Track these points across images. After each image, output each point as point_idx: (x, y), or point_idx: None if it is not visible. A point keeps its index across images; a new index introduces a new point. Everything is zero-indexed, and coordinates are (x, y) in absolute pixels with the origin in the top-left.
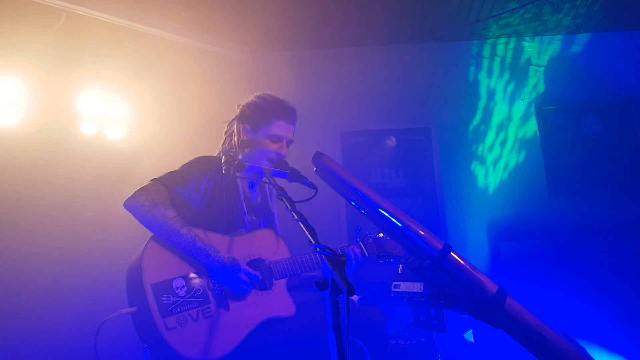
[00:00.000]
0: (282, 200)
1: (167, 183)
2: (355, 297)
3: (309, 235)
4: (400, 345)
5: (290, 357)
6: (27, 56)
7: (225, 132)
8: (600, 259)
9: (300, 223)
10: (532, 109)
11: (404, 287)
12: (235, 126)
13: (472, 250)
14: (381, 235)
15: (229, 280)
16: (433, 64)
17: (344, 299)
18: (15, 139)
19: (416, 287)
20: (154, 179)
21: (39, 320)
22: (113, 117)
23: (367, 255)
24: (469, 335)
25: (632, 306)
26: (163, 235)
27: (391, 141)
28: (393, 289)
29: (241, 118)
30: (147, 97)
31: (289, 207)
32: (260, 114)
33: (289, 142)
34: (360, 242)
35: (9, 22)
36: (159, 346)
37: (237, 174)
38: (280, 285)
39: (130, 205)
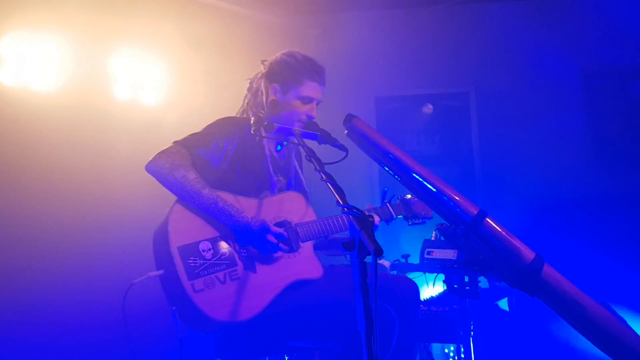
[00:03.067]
0: (310, 161)
1: (188, 145)
2: (385, 263)
3: (336, 196)
4: (432, 312)
5: (318, 320)
6: (63, 16)
7: (249, 89)
8: None
9: (328, 184)
10: (578, 74)
11: (438, 253)
12: (262, 84)
13: (510, 220)
14: (409, 196)
15: (255, 241)
16: (471, 25)
17: (371, 260)
18: (48, 103)
19: (450, 254)
20: (175, 142)
21: (68, 283)
22: (149, 82)
23: (394, 217)
24: (503, 304)
25: None
26: (185, 197)
27: (428, 108)
28: (426, 255)
29: (269, 76)
30: (182, 62)
31: (318, 167)
32: (290, 74)
33: (319, 102)
34: (388, 204)
35: None
36: (187, 308)
37: (266, 135)
38: (307, 247)
39: (151, 168)
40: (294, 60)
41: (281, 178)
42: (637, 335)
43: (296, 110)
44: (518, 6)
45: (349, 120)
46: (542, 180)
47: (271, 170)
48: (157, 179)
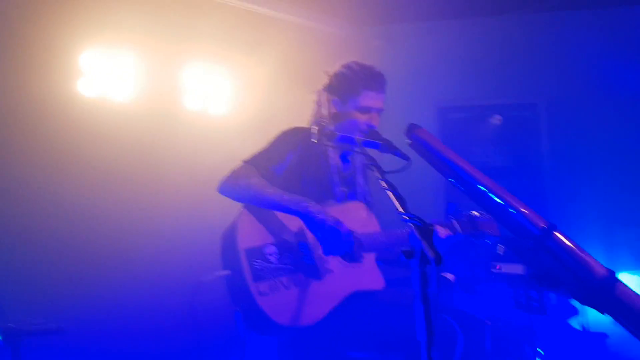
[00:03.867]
0: (372, 169)
1: (256, 163)
2: (450, 276)
3: (397, 205)
4: (498, 327)
5: (378, 331)
6: (138, 32)
7: (316, 102)
8: None
9: (389, 192)
10: None
11: (504, 268)
12: (324, 97)
13: (581, 235)
14: (476, 213)
15: (326, 236)
16: (541, 35)
17: (432, 270)
18: (127, 110)
19: (517, 268)
20: (243, 161)
21: (141, 280)
22: (216, 93)
23: (460, 232)
24: (574, 322)
25: None
26: (252, 201)
27: (496, 119)
28: (492, 270)
29: (328, 89)
30: (247, 74)
31: (379, 176)
32: (347, 85)
33: (379, 111)
34: (454, 220)
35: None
36: (251, 310)
37: (328, 143)
38: (370, 258)
39: (221, 188)
40: (350, 71)
41: (345, 189)
42: None
43: (356, 120)
44: (590, 16)
45: (411, 130)
46: (615, 193)
47: (335, 180)
48: (228, 196)
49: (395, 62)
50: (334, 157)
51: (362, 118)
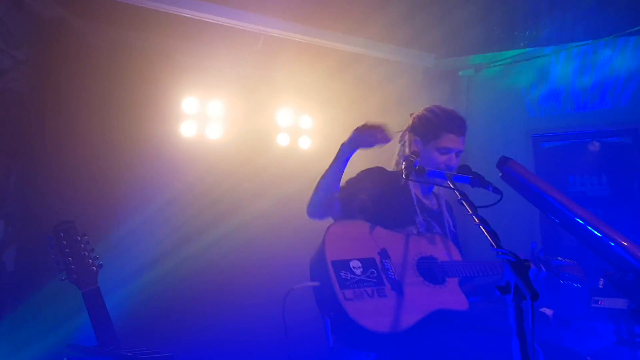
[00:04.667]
0: (462, 204)
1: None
2: (548, 311)
3: (490, 240)
4: None
5: (458, 353)
6: (230, 77)
7: (399, 141)
8: None
9: (481, 227)
10: None
11: (606, 302)
12: (407, 137)
13: None
14: (560, 258)
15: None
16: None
17: (528, 305)
18: (222, 149)
19: (619, 303)
20: None
21: (233, 287)
22: (303, 129)
23: (544, 271)
24: None
25: None
26: (322, 186)
27: (594, 146)
28: (592, 305)
29: (412, 129)
30: (333, 110)
31: (470, 211)
32: (429, 128)
33: (459, 152)
34: (538, 258)
35: (214, 48)
36: (338, 315)
37: (417, 179)
38: (453, 282)
39: (308, 211)
40: (433, 114)
41: (428, 218)
42: None
43: (435, 160)
44: None
45: (503, 162)
46: None
47: (417, 211)
48: (314, 209)
49: (482, 90)
50: (416, 191)
51: (440, 158)
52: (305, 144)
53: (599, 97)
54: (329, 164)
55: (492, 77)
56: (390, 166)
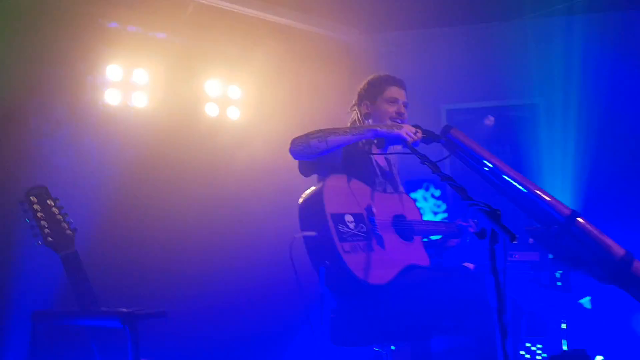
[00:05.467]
0: (426, 164)
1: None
2: (470, 265)
3: (461, 193)
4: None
5: (428, 295)
6: (157, 45)
7: (351, 121)
8: None
9: (449, 184)
10: None
11: (520, 256)
12: (355, 111)
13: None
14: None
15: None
16: (541, 39)
17: (500, 247)
18: (148, 118)
19: (533, 256)
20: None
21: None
22: (232, 99)
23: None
24: (585, 302)
25: None
26: (330, 144)
27: (489, 120)
28: (509, 259)
29: (360, 99)
30: (262, 81)
31: (435, 171)
32: (373, 87)
33: (405, 104)
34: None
35: (141, 13)
36: (336, 265)
37: (379, 151)
38: (418, 240)
39: (294, 151)
40: (374, 78)
41: (384, 180)
42: None
43: (387, 112)
44: (589, 20)
45: (446, 130)
46: (613, 191)
47: (377, 172)
48: (302, 154)
49: (403, 67)
50: (372, 157)
51: (391, 108)
52: (234, 114)
53: (505, 75)
54: (352, 129)
55: (411, 52)
56: None
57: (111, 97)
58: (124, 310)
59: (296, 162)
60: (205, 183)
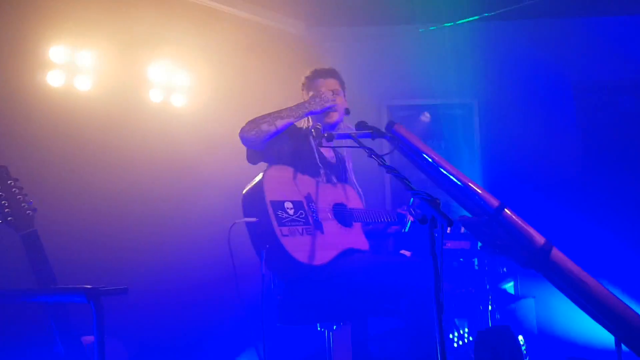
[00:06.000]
0: (372, 157)
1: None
2: (407, 253)
3: (405, 184)
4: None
5: (366, 278)
6: (102, 27)
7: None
8: None
9: (394, 175)
10: (569, 87)
11: (452, 244)
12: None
13: None
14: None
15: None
16: (476, 42)
17: (440, 232)
18: (91, 101)
19: (464, 244)
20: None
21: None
22: (177, 86)
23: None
24: (509, 287)
25: None
26: (279, 125)
27: (425, 117)
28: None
29: (303, 90)
30: (207, 70)
31: (381, 163)
32: (309, 82)
33: (337, 90)
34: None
35: None
36: (275, 248)
37: (327, 144)
38: (358, 226)
39: (244, 136)
40: (309, 72)
41: (328, 172)
42: (632, 309)
43: (321, 91)
44: (517, 25)
45: (391, 125)
46: (538, 183)
47: (318, 162)
48: (252, 139)
49: (347, 63)
50: (316, 149)
51: (323, 87)
52: (179, 101)
53: (442, 76)
54: (290, 110)
55: (355, 49)
56: None
57: (54, 79)
58: (88, 286)
59: (242, 150)
60: (150, 168)
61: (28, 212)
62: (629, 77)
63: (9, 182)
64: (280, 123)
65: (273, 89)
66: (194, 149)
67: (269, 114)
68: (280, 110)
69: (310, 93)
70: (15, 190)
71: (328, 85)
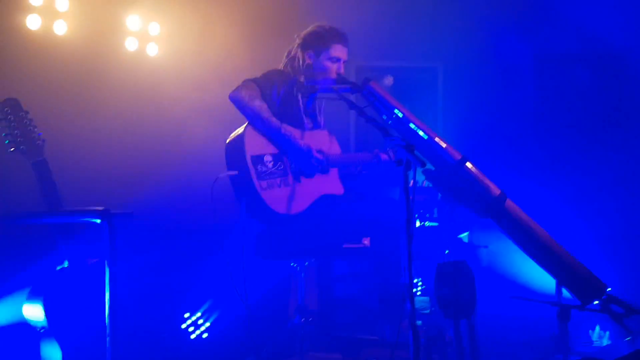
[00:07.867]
0: (353, 109)
1: (259, 83)
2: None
3: (383, 132)
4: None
5: (336, 219)
6: None
7: (287, 57)
8: None
9: (373, 124)
10: (531, 57)
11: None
12: (298, 53)
13: None
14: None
15: (303, 162)
16: (444, 6)
17: (412, 173)
18: (68, 46)
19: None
20: (248, 79)
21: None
22: (152, 35)
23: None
24: (464, 237)
25: None
26: (257, 123)
27: (388, 80)
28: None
29: (303, 46)
30: (182, 19)
31: (360, 114)
32: (321, 41)
33: (345, 61)
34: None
35: None
36: (255, 200)
37: (313, 93)
38: (334, 172)
39: (235, 97)
40: (323, 29)
41: (309, 121)
42: (573, 256)
43: (328, 69)
44: None
45: (366, 81)
46: (495, 148)
47: (302, 113)
48: (238, 107)
49: (319, 19)
50: (301, 99)
51: (332, 67)
52: (153, 50)
53: (410, 39)
54: (277, 126)
55: (327, 7)
56: None
57: (32, 22)
58: (101, 208)
59: (216, 101)
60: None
61: (38, 142)
62: (588, 50)
63: (20, 113)
64: (266, 127)
65: (244, 35)
66: (170, 99)
67: (270, 115)
68: (269, 117)
69: (320, 58)
70: (26, 122)
71: (344, 53)
